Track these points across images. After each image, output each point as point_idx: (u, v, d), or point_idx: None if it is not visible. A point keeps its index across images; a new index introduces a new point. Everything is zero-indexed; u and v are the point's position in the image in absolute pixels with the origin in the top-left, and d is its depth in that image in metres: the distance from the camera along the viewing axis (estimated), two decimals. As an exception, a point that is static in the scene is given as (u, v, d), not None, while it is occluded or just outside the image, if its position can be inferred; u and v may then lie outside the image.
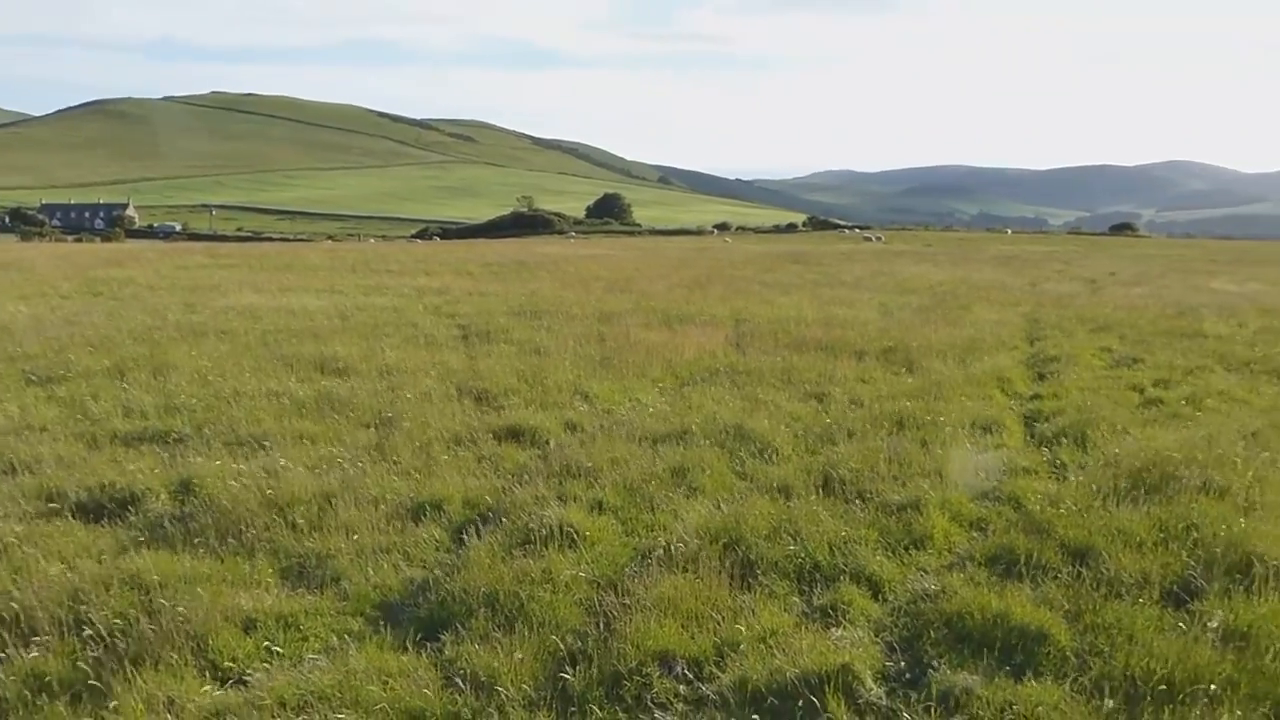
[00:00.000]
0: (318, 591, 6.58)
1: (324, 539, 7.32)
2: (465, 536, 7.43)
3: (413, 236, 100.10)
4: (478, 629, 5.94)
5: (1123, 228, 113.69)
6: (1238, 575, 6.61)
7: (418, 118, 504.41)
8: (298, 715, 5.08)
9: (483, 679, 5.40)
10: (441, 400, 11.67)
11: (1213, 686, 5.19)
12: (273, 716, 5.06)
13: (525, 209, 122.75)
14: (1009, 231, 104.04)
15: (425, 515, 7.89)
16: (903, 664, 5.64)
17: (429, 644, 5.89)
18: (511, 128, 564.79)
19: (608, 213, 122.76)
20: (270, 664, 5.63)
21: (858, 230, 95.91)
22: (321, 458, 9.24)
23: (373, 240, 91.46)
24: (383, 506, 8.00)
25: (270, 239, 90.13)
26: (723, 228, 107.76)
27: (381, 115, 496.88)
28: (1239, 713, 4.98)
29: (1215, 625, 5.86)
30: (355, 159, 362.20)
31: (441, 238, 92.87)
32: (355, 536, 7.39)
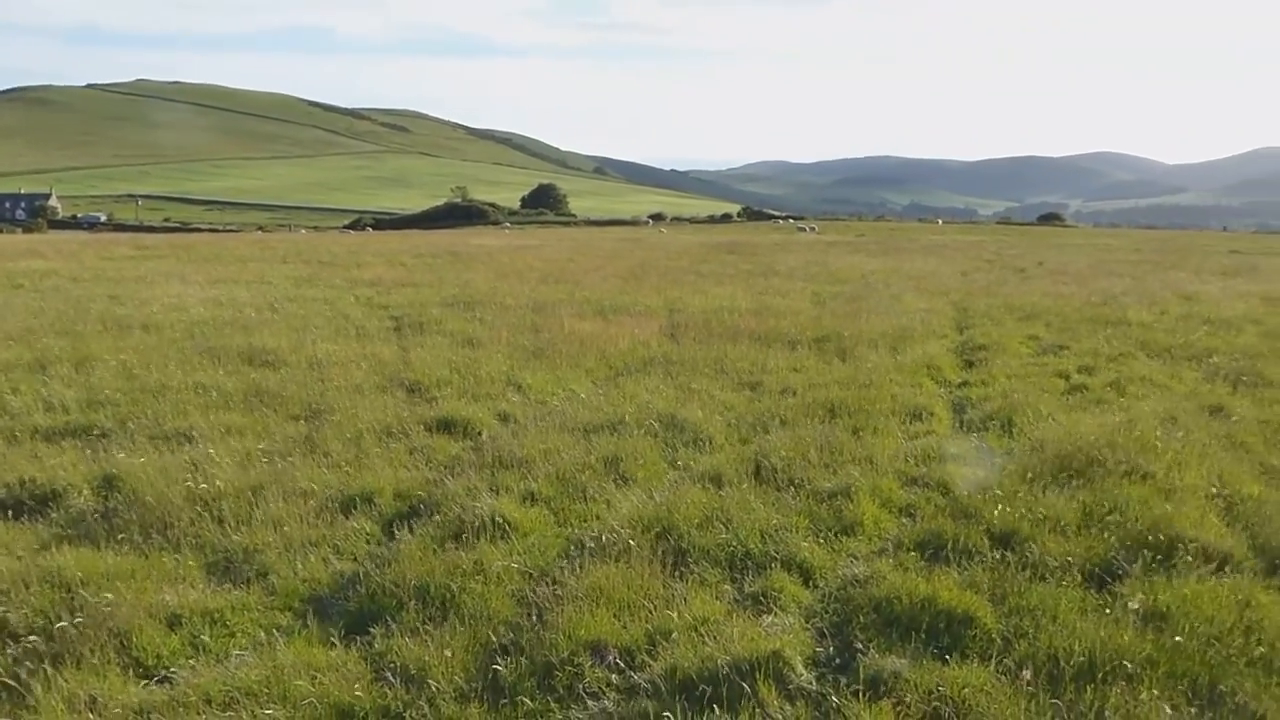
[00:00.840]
0: (245, 586, 6.50)
1: (252, 533, 7.23)
2: (396, 529, 7.40)
3: (345, 227, 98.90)
4: (408, 622, 5.90)
5: (1051, 218, 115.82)
6: (1159, 557, 6.74)
7: (349, 107, 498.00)
8: (224, 712, 5.00)
9: (413, 672, 5.36)
10: (373, 392, 11.56)
11: (1132, 666, 5.30)
12: (198, 714, 4.99)
13: (459, 199, 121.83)
14: (940, 222, 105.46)
15: (356, 508, 7.83)
16: (833, 649, 5.69)
17: (358, 638, 5.83)
18: (446, 117, 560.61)
19: (543, 203, 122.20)
20: (196, 660, 5.56)
21: (791, 220, 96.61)
22: (250, 451, 9.10)
23: (304, 231, 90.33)
24: (312, 500, 7.91)
25: (199, 230, 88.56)
26: (658, 218, 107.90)
27: (312, 104, 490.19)
28: (1157, 691, 5.10)
29: (1136, 606, 5.98)
30: (285, 148, 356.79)
31: (374, 228, 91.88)
32: (284, 530, 7.31)
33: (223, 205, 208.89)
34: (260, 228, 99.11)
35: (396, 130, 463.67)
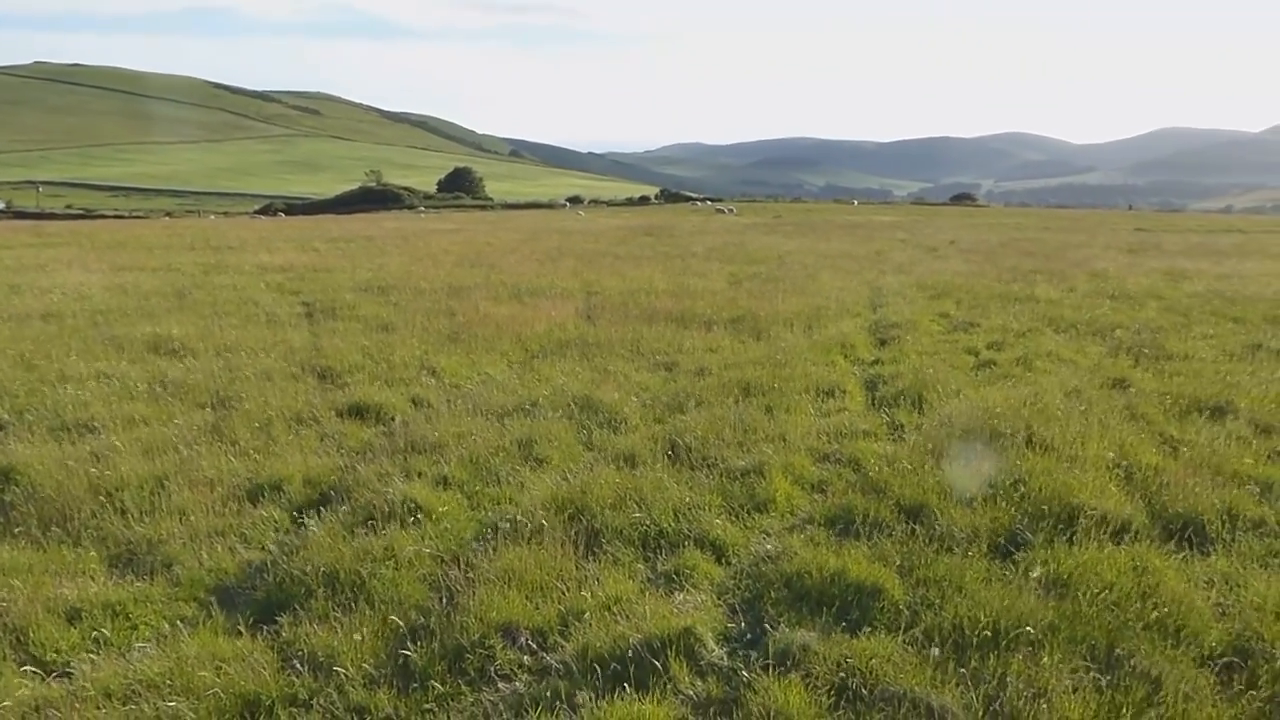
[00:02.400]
0: (148, 578, 6.35)
1: (155, 524, 7.08)
2: (306, 516, 7.30)
3: (255, 213, 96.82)
4: (317, 609, 5.82)
5: (963, 198, 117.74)
6: (1060, 526, 6.93)
7: (259, 90, 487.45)
8: (124, 705, 4.89)
9: (321, 659, 5.30)
10: (283, 379, 11.37)
11: (1034, 632, 5.43)
12: (97, 708, 4.87)
13: (374, 184, 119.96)
14: (856, 202, 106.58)
15: (264, 496, 7.71)
16: (744, 625, 5.74)
17: (265, 627, 5.74)
18: (359, 100, 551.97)
19: (459, 187, 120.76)
20: (96, 654, 5.42)
21: (709, 202, 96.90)
22: (154, 441, 8.88)
23: (213, 217, 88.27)
24: (219, 489, 7.78)
25: (103, 216, 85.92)
26: (575, 201, 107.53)
27: (219, 87, 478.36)
28: (1058, 657, 5.22)
29: (1038, 574, 6.14)
30: (192, 132, 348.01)
31: (286, 214, 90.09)
32: (189, 520, 7.18)
33: (128, 191, 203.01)
34: (168, 214, 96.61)
35: (308, 113, 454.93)
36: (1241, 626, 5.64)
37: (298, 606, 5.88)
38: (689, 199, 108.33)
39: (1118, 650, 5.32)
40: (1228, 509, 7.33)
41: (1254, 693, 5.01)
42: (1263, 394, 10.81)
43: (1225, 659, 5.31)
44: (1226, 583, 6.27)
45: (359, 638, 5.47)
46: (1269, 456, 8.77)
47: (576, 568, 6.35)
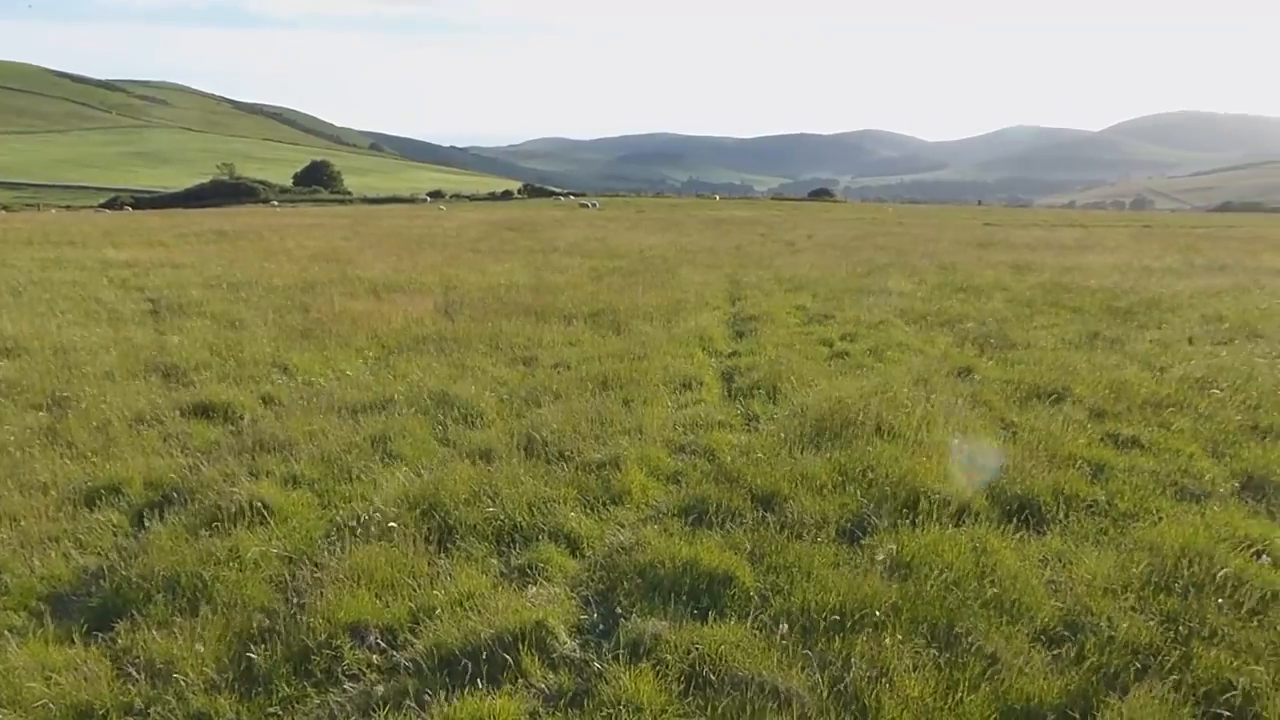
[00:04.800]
0: (-27, 588, 6.04)
1: (-18, 531, 6.73)
2: (146, 519, 7.03)
3: (101, 206, 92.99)
4: (156, 615, 5.63)
5: (821, 193, 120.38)
6: (905, 510, 7.12)
7: (104, 78, 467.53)
8: (-56, 723, 4.65)
9: (160, 666, 5.12)
10: (125, 378, 10.95)
11: (879, 614, 5.58)
12: (-88, 727, 4.62)
13: (227, 177, 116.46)
14: (717, 197, 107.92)
15: (102, 500, 7.42)
16: (597, 616, 5.75)
17: (101, 635, 5.53)
18: (210, 90, 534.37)
19: (316, 181, 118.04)
20: (-85, 670, 5.13)
21: (573, 197, 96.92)
22: (-18, 445, 8.46)
23: (54, 211, 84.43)
24: (53, 493, 7.47)
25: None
26: (437, 196, 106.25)
27: (60, 75, 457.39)
28: (900, 636, 5.38)
29: (883, 558, 6.30)
30: (31, 122, 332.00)
31: (134, 208, 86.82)
32: (20, 526, 6.89)
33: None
34: (4, 207, 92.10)
35: (156, 104, 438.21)
36: (1073, 602, 5.88)
37: (136, 613, 5.67)
38: (552, 194, 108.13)
39: (957, 628, 5.50)
40: (1062, 490, 7.63)
41: (1082, 664, 5.23)
42: (1097, 380, 11.29)
43: (1057, 633, 5.54)
44: (1060, 560, 6.53)
45: (200, 643, 5.30)
46: (1101, 439, 9.17)
47: (429, 564, 6.28)
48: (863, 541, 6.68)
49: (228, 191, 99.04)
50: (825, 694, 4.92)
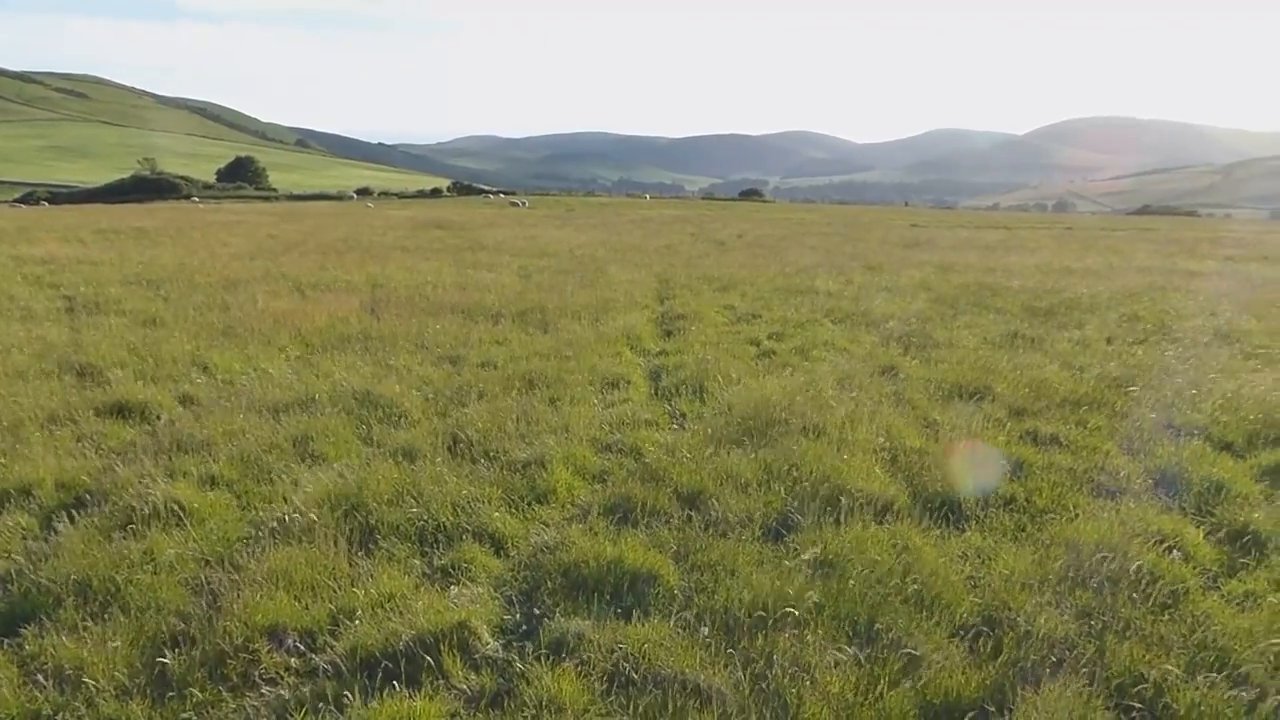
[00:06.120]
0: None
1: (-118, 537, 6.50)
2: (57, 522, 6.83)
3: (15, 201, 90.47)
4: (66, 619, 5.48)
5: (751, 193, 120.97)
6: (829, 508, 7.16)
7: (19, 70, 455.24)
8: None
9: (69, 672, 4.98)
10: (37, 377, 10.68)
11: (801, 612, 5.60)
12: None
13: (148, 172, 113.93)
14: (648, 197, 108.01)
15: (11, 502, 7.23)
16: (520, 616, 5.70)
17: (6, 640, 5.36)
18: (130, 84, 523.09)
19: (241, 177, 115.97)
20: None
21: (503, 195, 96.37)
22: (-118, 448, 8.18)
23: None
24: (-41, 496, 7.21)
25: None
26: (364, 193, 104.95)
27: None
28: (822, 633, 5.41)
29: (807, 556, 6.33)
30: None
31: (51, 203, 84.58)
32: (-78, 532, 6.62)
33: None
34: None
35: (74, 97, 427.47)
36: (991, 597, 5.97)
37: (44, 617, 5.52)
38: (482, 192, 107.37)
39: (878, 625, 5.54)
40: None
41: (1000, 659, 5.30)
42: (1017, 379, 11.49)
43: (975, 628, 5.61)
44: (979, 557, 6.62)
45: (112, 648, 5.17)
46: (1020, 437, 9.33)
47: (350, 565, 6.19)
48: (787, 539, 6.71)
49: (149, 187, 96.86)
50: (747, 691, 4.93)
